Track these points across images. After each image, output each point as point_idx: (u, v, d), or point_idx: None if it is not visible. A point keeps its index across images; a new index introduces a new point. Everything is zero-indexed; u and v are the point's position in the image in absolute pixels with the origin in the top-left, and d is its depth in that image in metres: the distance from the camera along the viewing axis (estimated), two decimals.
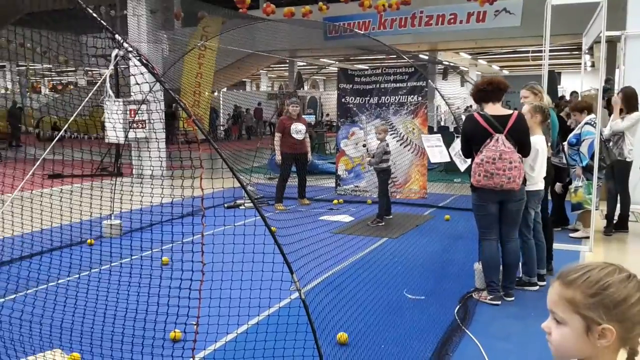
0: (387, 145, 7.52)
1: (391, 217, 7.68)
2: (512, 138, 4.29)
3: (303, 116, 9.81)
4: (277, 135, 8.79)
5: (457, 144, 6.38)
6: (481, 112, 4.44)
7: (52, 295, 4.10)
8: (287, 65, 25.90)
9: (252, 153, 11.16)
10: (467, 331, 3.98)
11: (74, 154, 6.03)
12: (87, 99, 3.35)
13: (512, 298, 4.61)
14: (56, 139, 3.41)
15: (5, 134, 18.97)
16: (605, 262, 1.21)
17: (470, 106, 22.93)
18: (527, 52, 17.86)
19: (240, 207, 8.40)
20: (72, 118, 3.35)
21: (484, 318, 4.25)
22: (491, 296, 4.54)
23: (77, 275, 4.66)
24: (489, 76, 4.72)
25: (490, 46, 19.90)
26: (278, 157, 8.70)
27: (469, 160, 5.02)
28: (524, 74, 25.39)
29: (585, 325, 1.17)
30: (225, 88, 26.32)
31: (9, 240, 4.91)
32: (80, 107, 3.35)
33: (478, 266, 4.80)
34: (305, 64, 26.85)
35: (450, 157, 6.60)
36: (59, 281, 4.68)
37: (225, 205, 8.24)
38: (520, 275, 4.89)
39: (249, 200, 8.39)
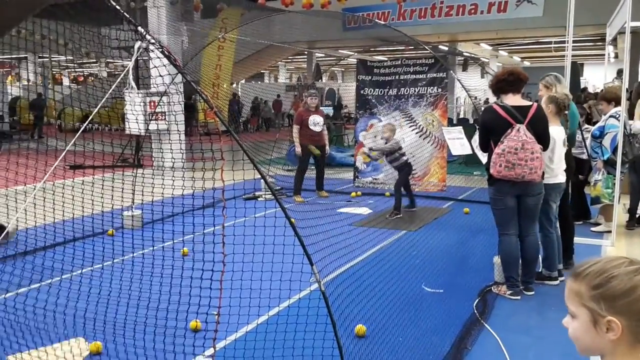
0: (397, 142, 7.54)
1: (415, 209, 7.68)
2: (532, 129, 4.24)
3: (321, 108, 9.80)
4: (296, 127, 8.79)
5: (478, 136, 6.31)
6: (500, 103, 4.39)
7: (74, 285, 4.18)
8: (305, 56, 25.85)
9: (271, 145, 11.20)
10: (486, 325, 3.96)
11: (95, 146, 6.11)
12: (111, 90, 3.39)
13: (532, 292, 4.58)
14: (80, 130, 3.45)
15: (28, 125, 19.23)
16: (620, 256, 1.19)
17: (488, 99, 22.70)
18: (550, 43, 17.60)
19: (259, 199, 8.45)
20: (96, 110, 3.39)
21: (503, 312, 4.23)
22: (510, 291, 4.51)
23: (100, 265, 4.73)
24: (509, 67, 4.66)
25: (511, 37, 19.65)
26: (298, 149, 8.72)
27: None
28: (546, 65, 25.01)
29: (591, 318, 1.15)
30: (244, 80, 26.39)
31: (32, 231, 5.00)
32: (104, 99, 3.39)
33: (497, 260, 4.76)
34: (323, 55, 26.76)
35: (472, 150, 6.54)
36: (81, 271, 4.76)
37: (244, 196, 8.29)
38: (541, 270, 4.85)
39: (267, 193, 8.49)
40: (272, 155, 10.79)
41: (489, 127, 4.38)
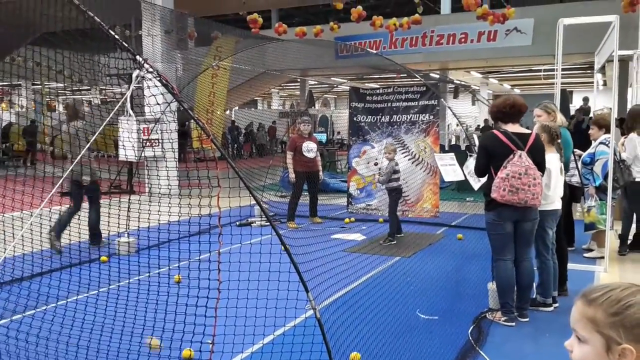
0: (397, 164, 7.55)
1: (403, 235, 7.67)
2: (531, 156, 4.31)
3: (314, 134, 9.87)
4: (289, 154, 8.84)
5: (470, 162, 6.38)
6: (501, 130, 4.45)
7: (69, 312, 4.14)
8: (298, 83, 26.12)
9: (264, 171, 11.23)
10: (481, 352, 3.95)
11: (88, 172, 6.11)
12: (110, 116, 3.41)
13: (527, 319, 4.57)
14: (79, 157, 3.47)
15: (21, 152, 19.20)
16: (629, 283, 1.22)
17: (479, 126, 22.95)
18: (539, 70, 17.90)
19: (252, 225, 8.44)
20: (94, 137, 3.42)
21: (498, 339, 4.22)
22: (505, 317, 4.51)
23: (94, 292, 4.69)
24: (509, 96, 4.71)
25: (501, 65, 19.99)
26: (292, 176, 8.74)
27: (482, 179, 5.01)
28: (536, 93, 25.40)
29: (605, 344, 1.17)
30: (237, 106, 26.56)
31: (28, 257, 4.97)
32: (103, 126, 3.41)
33: (492, 286, 4.77)
34: (316, 82, 27.06)
35: (465, 176, 6.61)
36: (74, 298, 4.71)
37: (237, 223, 8.28)
38: (535, 296, 4.86)
39: (260, 219, 8.49)
40: (265, 182, 10.81)
41: (490, 153, 4.43)
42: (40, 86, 23.82)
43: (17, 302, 4.29)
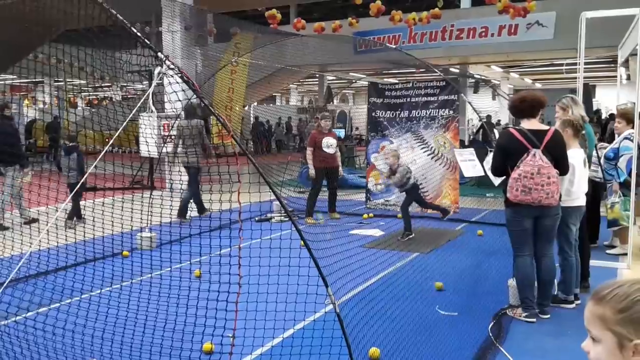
0: (408, 168, 7.53)
1: (413, 235, 7.62)
2: (548, 154, 4.25)
3: (333, 130, 9.86)
4: (309, 150, 8.85)
5: (491, 158, 6.32)
6: (517, 127, 4.41)
7: (92, 305, 4.22)
8: (316, 79, 26.09)
9: (283, 166, 11.27)
10: (501, 348, 3.93)
11: (110, 168, 6.21)
12: (133, 112, 3.46)
13: (548, 316, 4.54)
14: (102, 153, 3.53)
15: (44, 147, 19.51)
16: (638, 278, 1.20)
17: (500, 121, 22.72)
18: (561, 65, 17.65)
19: (271, 221, 8.49)
20: (118, 132, 3.47)
21: (519, 336, 4.19)
22: (526, 313, 4.48)
23: (117, 286, 4.77)
24: (526, 91, 4.66)
25: (522, 59, 19.72)
26: (312, 171, 8.76)
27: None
28: (558, 87, 25.03)
29: (617, 342, 1.15)
30: (256, 102, 26.65)
31: (53, 251, 5.07)
32: (126, 122, 3.46)
33: (512, 282, 4.74)
34: (335, 78, 26.99)
35: (485, 171, 6.55)
36: (97, 292, 4.80)
37: (256, 218, 8.33)
38: (556, 293, 4.81)
39: (279, 214, 8.52)
40: (284, 177, 10.85)
41: (506, 151, 4.39)
42: (62, 83, 24.20)
43: (43, 295, 4.38)
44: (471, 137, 20.03)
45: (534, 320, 4.45)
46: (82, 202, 8.23)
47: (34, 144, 19.73)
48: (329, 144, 8.75)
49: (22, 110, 22.21)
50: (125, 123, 3.46)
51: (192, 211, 8.40)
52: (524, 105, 4.40)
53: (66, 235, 4.46)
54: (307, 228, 8.02)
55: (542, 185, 4.17)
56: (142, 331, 3.65)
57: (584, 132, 4.84)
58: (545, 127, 4.46)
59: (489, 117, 20.81)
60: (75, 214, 8.15)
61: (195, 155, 8.58)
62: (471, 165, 6.89)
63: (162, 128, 9.56)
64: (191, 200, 8.62)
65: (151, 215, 5.51)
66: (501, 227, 5.67)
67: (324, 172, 8.77)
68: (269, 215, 8.69)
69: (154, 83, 3.60)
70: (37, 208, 4.92)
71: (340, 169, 9.06)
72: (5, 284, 3.25)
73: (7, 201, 8.25)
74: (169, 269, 5.15)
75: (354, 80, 24.84)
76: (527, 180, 4.19)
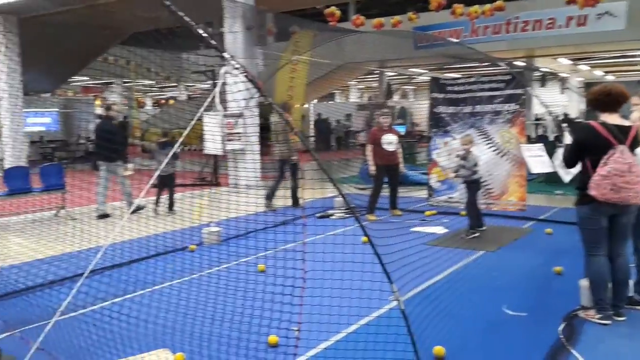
0: (477, 157, 7.34)
1: (485, 228, 7.45)
2: (631, 150, 4.05)
3: (394, 126, 9.78)
4: (369, 147, 8.82)
5: (560, 153, 6.09)
6: (600, 121, 4.21)
7: (163, 296, 4.38)
8: (376, 75, 25.96)
9: (344, 163, 11.29)
10: (573, 351, 3.78)
11: (177, 165, 6.44)
12: (200, 111, 3.56)
13: (623, 318, 4.32)
14: (172, 152, 3.66)
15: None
16: None
17: (567, 115, 21.87)
18: (634, 56, 16.76)
19: (331, 217, 8.52)
20: (187, 131, 3.59)
21: (592, 338, 4.02)
22: (600, 315, 4.28)
23: (187, 278, 4.94)
24: (611, 84, 4.40)
25: (592, 51, 18.84)
26: (371, 168, 8.72)
27: (573, 171, 4.78)
28: (631, 79, 23.78)
29: None
30: (316, 100, 26.82)
31: (127, 245, 5.31)
32: (195, 120, 3.57)
33: (584, 283, 4.54)
34: (394, 74, 26.74)
35: (554, 168, 6.31)
36: (166, 285, 4.99)
37: (317, 215, 8.39)
38: (632, 294, 4.58)
39: (340, 211, 8.55)
40: (345, 174, 10.87)
41: (585, 145, 4.19)
42: (131, 84, 25.23)
43: (117, 287, 4.60)
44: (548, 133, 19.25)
45: (609, 322, 4.25)
46: (150, 198, 8.62)
47: None
48: (390, 141, 8.68)
49: (93, 112, 23.31)
50: (193, 121, 3.57)
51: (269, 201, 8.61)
52: (610, 99, 4.19)
53: (139, 230, 4.66)
54: (368, 225, 8.00)
55: (632, 184, 3.98)
56: (211, 322, 3.76)
57: None
58: (628, 123, 4.24)
59: (566, 115, 20.06)
60: (170, 205, 8.94)
61: (285, 149, 8.79)
62: (539, 161, 6.65)
63: (225, 126, 9.81)
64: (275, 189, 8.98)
65: (217, 211, 5.67)
66: (571, 225, 5.45)
67: (385, 169, 8.72)
68: (329, 212, 8.73)
69: (219, 82, 3.69)
70: (111, 203, 5.18)
71: (401, 165, 8.98)
72: (85, 275, 3.43)
73: (105, 194, 8.73)
74: (234, 262, 5.28)
75: (414, 76, 24.53)
76: (617, 178, 3.99)
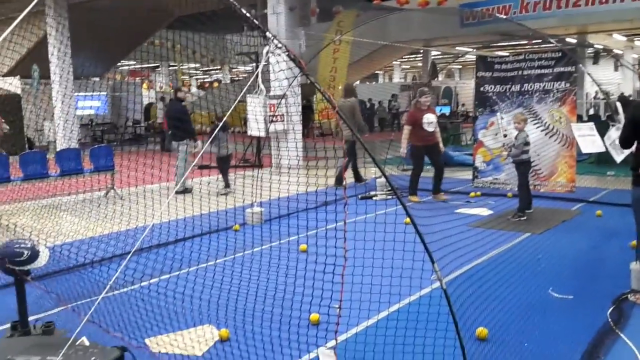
0: (527, 135, 7.13)
1: (532, 210, 7.27)
2: None
3: (436, 107, 9.62)
4: (407, 128, 8.68)
5: (613, 132, 5.85)
6: None
7: (208, 274, 4.49)
8: (421, 55, 25.49)
9: (386, 144, 11.19)
10: (621, 335, 3.68)
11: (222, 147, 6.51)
12: (243, 92, 3.59)
13: None
14: (214, 133, 3.71)
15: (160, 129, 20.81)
16: None
17: (623, 93, 20.93)
18: None
19: (373, 198, 8.48)
20: (229, 112, 3.63)
21: None
22: None
23: (231, 257, 5.04)
24: None
25: None
26: (403, 151, 8.62)
27: (626, 151, 4.59)
28: None
29: None
30: (359, 80, 26.59)
31: (173, 224, 5.45)
32: (237, 101, 3.61)
33: (635, 266, 4.39)
34: (440, 53, 26.19)
35: (605, 147, 6.06)
36: (211, 263, 5.10)
37: (360, 196, 8.37)
38: None
39: (382, 192, 8.51)
40: (387, 155, 10.79)
41: None
42: (176, 67, 25.68)
43: (164, 263, 4.73)
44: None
45: None
46: (194, 179, 8.84)
47: (152, 125, 21.08)
48: (430, 121, 8.52)
49: (141, 95, 23.82)
50: (236, 102, 3.60)
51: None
52: None
53: (184, 209, 4.77)
54: (411, 206, 7.92)
55: None
56: (254, 300, 3.84)
57: None
58: None
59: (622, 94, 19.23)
60: (226, 184, 9.30)
61: (351, 130, 9.02)
62: (590, 140, 6.41)
63: (267, 108, 9.87)
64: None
65: (260, 191, 5.73)
66: (623, 207, 5.26)
67: (424, 149, 8.58)
68: (371, 192, 8.70)
69: (262, 62, 3.70)
70: (151, 185, 5.31)
71: (440, 144, 8.81)
72: (132, 252, 3.55)
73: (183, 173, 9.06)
74: (278, 241, 5.35)
75: (460, 55, 23.96)
76: None
